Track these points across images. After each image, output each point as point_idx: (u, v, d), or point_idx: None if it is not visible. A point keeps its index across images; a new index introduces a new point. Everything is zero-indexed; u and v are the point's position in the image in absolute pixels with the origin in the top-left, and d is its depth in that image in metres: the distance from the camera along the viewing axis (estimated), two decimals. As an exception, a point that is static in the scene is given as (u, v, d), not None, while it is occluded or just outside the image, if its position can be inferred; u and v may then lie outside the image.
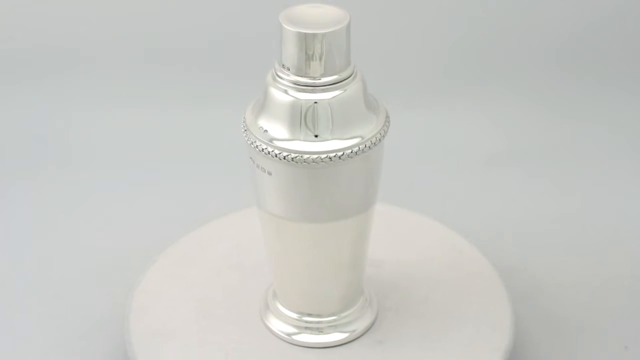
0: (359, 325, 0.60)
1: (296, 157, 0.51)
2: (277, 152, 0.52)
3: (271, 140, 0.52)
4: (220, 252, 0.67)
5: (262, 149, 0.52)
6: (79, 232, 0.75)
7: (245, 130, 0.54)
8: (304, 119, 0.52)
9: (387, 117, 0.54)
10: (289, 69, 0.52)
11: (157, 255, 0.67)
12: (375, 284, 0.63)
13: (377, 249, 0.64)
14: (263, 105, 0.53)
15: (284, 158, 0.52)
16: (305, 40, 0.50)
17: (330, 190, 0.53)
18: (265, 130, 0.52)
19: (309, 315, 0.60)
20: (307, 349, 0.59)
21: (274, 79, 0.52)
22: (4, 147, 0.85)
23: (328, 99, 0.51)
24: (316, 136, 0.52)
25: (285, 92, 0.52)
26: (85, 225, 0.76)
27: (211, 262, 0.66)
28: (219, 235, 0.69)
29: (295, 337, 0.60)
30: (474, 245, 0.67)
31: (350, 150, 0.52)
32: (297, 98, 0.52)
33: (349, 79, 0.52)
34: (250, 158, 0.54)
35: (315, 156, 0.51)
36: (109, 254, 0.72)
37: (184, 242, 0.68)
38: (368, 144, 0.52)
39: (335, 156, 0.51)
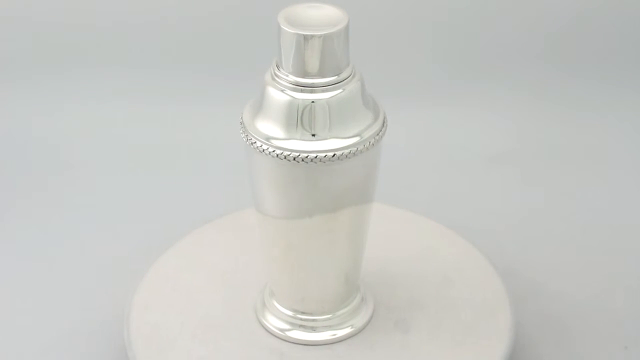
0: (354, 325, 0.60)
1: (292, 155, 0.52)
2: (274, 150, 0.52)
3: (268, 139, 0.52)
4: (220, 253, 0.67)
5: (260, 148, 0.52)
6: (79, 232, 0.76)
7: (243, 129, 0.54)
8: (300, 118, 0.52)
9: (385, 117, 0.54)
10: (287, 69, 0.52)
11: (157, 256, 0.67)
12: (372, 284, 0.63)
13: (376, 248, 0.64)
14: (261, 104, 0.53)
15: (281, 157, 0.52)
16: (304, 42, 0.50)
17: (327, 189, 0.53)
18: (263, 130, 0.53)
19: (303, 313, 0.60)
20: (300, 346, 0.59)
21: (272, 79, 0.53)
22: (3, 146, 0.85)
23: (326, 99, 0.51)
24: (313, 135, 0.52)
25: (283, 91, 0.52)
26: (85, 226, 0.76)
27: (210, 262, 0.66)
28: (217, 236, 0.69)
29: (288, 334, 0.60)
30: (473, 245, 0.67)
31: (347, 151, 0.52)
32: (294, 97, 0.52)
33: (348, 79, 0.52)
34: (247, 157, 0.55)
35: (312, 155, 0.51)
36: (109, 255, 0.73)
37: (183, 243, 0.68)
38: (366, 144, 0.52)
39: (332, 156, 0.52)
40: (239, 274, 0.65)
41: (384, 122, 0.54)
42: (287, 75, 0.52)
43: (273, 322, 0.60)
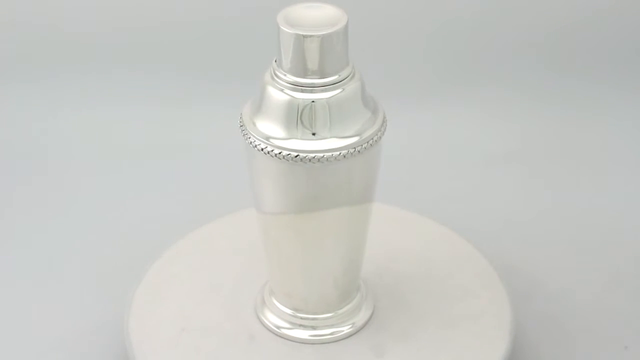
0: (354, 322, 0.60)
1: (292, 155, 0.52)
2: (274, 150, 0.52)
3: (268, 138, 0.52)
4: (219, 253, 0.67)
5: (260, 148, 0.52)
6: (79, 232, 0.76)
7: (243, 128, 0.54)
8: (300, 118, 0.52)
9: (385, 117, 0.55)
10: (287, 69, 0.52)
11: (156, 256, 0.67)
12: (372, 283, 0.63)
13: (376, 248, 0.64)
14: (260, 104, 0.53)
15: (281, 157, 0.52)
16: (303, 42, 0.50)
17: (327, 188, 0.53)
18: (263, 129, 0.53)
19: (304, 312, 0.60)
20: (301, 344, 0.60)
21: (272, 79, 0.53)
22: (3, 147, 0.86)
23: (326, 98, 0.52)
24: (313, 134, 0.52)
25: (282, 91, 0.52)
26: (85, 226, 0.76)
27: (210, 262, 0.66)
28: (217, 236, 0.69)
29: (288, 332, 0.60)
30: (473, 245, 0.67)
31: (348, 150, 0.52)
32: (294, 97, 0.52)
33: (347, 78, 0.52)
34: (247, 156, 0.55)
35: (312, 155, 0.51)
36: (109, 255, 0.73)
37: (182, 243, 0.68)
38: (366, 143, 0.53)
39: (332, 155, 0.52)
40: (238, 275, 0.65)
41: (383, 121, 0.54)
42: (286, 75, 0.52)
43: (273, 321, 0.60)
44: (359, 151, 0.52)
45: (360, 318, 0.61)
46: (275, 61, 0.53)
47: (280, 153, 0.52)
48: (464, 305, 0.62)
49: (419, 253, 0.67)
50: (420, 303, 0.62)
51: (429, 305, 0.62)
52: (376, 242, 0.64)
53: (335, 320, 0.60)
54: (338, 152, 0.52)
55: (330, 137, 0.52)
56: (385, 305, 0.62)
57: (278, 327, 0.60)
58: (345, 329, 0.60)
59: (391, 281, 0.64)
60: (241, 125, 0.54)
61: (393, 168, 0.72)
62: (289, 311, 0.60)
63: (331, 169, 0.53)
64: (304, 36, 0.50)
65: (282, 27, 0.51)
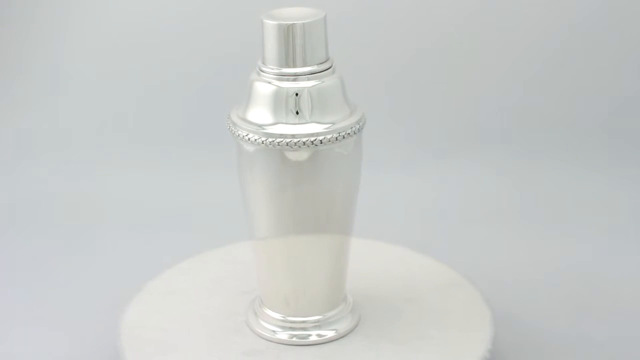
0: (342, 326, 0.63)
1: (276, 141, 0.56)
2: (263, 138, 0.56)
3: (257, 127, 0.57)
4: (207, 280, 0.69)
5: (249, 138, 0.57)
6: (75, 263, 0.79)
7: (230, 124, 0.58)
8: (285, 105, 0.56)
9: (364, 116, 0.59)
10: (271, 62, 0.57)
11: (145, 283, 0.69)
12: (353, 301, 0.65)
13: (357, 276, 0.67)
14: (248, 99, 0.58)
15: (267, 143, 0.56)
16: (286, 31, 0.55)
17: (313, 185, 0.58)
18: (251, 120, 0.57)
19: (294, 315, 0.62)
20: (291, 347, 0.62)
21: (258, 74, 0.58)
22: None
23: (307, 87, 0.56)
24: (297, 113, 0.56)
25: (269, 82, 0.57)
26: (81, 255, 0.80)
27: (197, 289, 0.68)
28: (204, 266, 0.71)
29: (278, 336, 0.62)
30: (460, 274, 0.69)
31: (325, 137, 0.56)
32: (279, 87, 0.57)
33: (328, 70, 0.57)
34: (237, 154, 0.59)
35: (297, 139, 0.56)
36: (101, 284, 0.75)
37: (168, 273, 0.71)
38: (345, 132, 0.57)
39: (310, 140, 0.56)
40: (226, 297, 0.67)
41: (362, 117, 0.59)
42: (271, 69, 0.57)
43: (263, 326, 0.63)
44: (336, 138, 0.56)
45: (346, 325, 0.63)
46: (261, 60, 0.58)
47: (269, 140, 0.56)
48: (444, 324, 0.64)
49: (406, 278, 0.69)
50: (403, 321, 0.64)
51: (410, 321, 0.64)
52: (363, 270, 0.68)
53: (322, 323, 0.62)
54: (315, 138, 0.56)
55: (311, 122, 0.56)
56: (369, 319, 0.64)
57: (273, 332, 0.62)
58: (330, 334, 0.62)
59: (378, 300, 0.66)
60: (230, 124, 0.58)
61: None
62: (278, 316, 0.62)
63: (316, 165, 0.57)
64: (288, 25, 0.55)
65: (265, 21, 0.56)
